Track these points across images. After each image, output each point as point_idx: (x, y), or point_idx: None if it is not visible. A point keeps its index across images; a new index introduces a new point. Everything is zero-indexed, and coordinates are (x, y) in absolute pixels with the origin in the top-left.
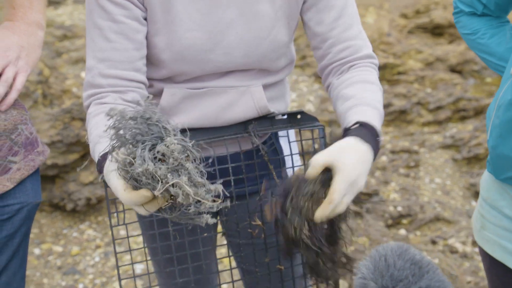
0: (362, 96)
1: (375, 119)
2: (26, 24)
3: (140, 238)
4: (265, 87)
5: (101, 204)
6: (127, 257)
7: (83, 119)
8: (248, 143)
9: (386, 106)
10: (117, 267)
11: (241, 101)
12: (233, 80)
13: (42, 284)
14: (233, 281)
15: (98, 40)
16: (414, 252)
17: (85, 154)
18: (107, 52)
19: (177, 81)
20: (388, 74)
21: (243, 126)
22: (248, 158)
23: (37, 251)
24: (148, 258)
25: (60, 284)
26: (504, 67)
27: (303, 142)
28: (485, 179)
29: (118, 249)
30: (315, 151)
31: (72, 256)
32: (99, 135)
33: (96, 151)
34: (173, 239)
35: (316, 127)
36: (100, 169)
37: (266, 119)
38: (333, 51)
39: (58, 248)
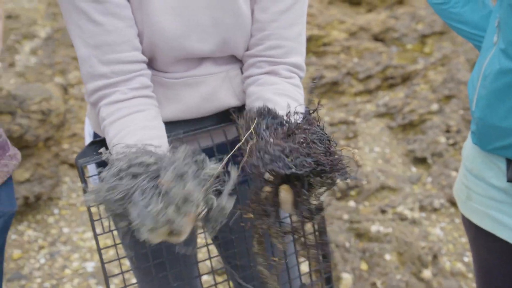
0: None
1: None
2: None
3: (86, 235)
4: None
5: (38, 202)
6: (74, 256)
7: (12, 113)
8: (234, 131)
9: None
10: (106, 278)
11: (222, 88)
12: (211, 66)
13: None
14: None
15: (86, 25)
16: None
17: (18, 150)
18: (100, 36)
19: (153, 67)
20: (313, 45)
21: (224, 115)
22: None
23: None
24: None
25: None
26: (478, 36)
27: None
28: (469, 151)
29: (64, 248)
30: None
31: (14, 261)
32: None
33: None
34: (149, 246)
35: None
36: None
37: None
38: (265, 44)
39: None
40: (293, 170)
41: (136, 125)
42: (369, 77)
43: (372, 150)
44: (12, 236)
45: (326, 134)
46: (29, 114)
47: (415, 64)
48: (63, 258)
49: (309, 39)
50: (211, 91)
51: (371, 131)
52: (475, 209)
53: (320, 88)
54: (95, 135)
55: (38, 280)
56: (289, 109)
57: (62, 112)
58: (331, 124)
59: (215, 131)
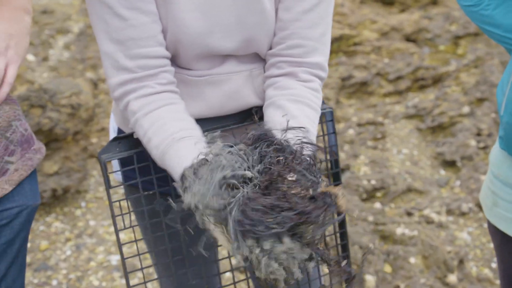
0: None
1: None
2: (12, 9)
3: (112, 229)
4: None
5: (66, 195)
6: (100, 249)
7: (42, 106)
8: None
9: (347, 78)
10: (126, 273)
11: (245, 87)
12: (235, 64)
13: None
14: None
15: (111, 19)
16: None
17: (47, 142)
18: (124, 31)
19: (177, 64)
20: (344, 45)
21: (247, 114)
22: None
23: None
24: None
25: (32, 282)
26: (510, 39)
27: None
28: (496, 156)
29: (90, 240)
30: (324, 135)
31: (41, 251)
32: (167, 141)
33: (176, 162)
34: (168, 242)
35: (324, 111)
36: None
37: None
38: (286, 43)
39: None
40: (276, 230)
41: (171, 115)
42: (399, 78)
43: (400, 152)
44: (40, 227)
45: (314, 172)
46: (59, 108)
47: (447, 66)
48: (88, 250)
49: (340, 39)
50: (234, 89)
51: (399, 133)
52: (501, 215)
53: (349, 88)
54: (119, 130)
55: (64, 272)
56: (285, 132)
57: (91, 107)
58: (359, 125)
59: (237, 130)
